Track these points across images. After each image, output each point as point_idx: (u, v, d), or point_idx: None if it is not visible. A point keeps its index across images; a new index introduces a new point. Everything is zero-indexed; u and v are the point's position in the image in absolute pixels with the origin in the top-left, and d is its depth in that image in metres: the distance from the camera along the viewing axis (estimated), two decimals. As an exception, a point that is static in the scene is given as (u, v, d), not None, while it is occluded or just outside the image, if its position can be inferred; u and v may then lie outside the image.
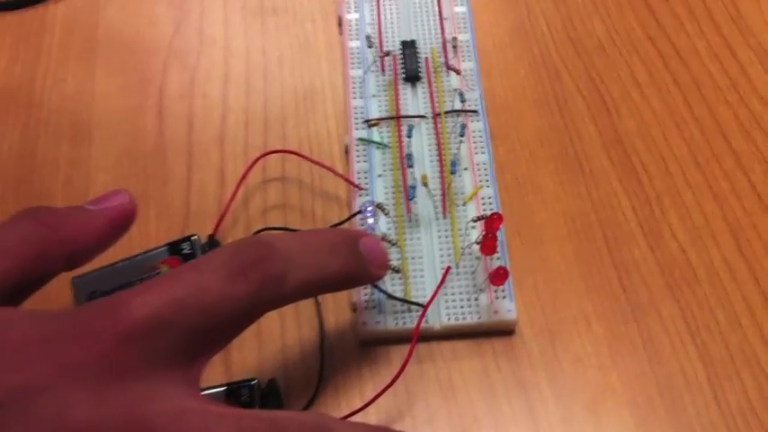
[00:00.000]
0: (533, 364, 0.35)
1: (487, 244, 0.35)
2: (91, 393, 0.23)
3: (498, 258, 0.36)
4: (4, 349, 0.23)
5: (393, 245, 0.36)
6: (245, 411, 0.25)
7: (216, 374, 0.35)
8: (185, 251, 0.36)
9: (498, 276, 0.34)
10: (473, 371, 0.35)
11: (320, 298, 0.36)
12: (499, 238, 0.36)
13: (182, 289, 0.25)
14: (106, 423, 0.23)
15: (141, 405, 0.23)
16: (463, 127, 0.39)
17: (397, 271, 0.36)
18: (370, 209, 0.35)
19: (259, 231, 0.38)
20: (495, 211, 0.37)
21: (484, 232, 0.35)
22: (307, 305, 0.36)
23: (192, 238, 0.36)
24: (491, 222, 0.35)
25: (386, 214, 0.36)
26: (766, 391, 0.34)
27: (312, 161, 0.40)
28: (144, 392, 0.23)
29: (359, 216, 0.37)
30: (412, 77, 0.42)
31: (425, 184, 0.37)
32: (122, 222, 0.30)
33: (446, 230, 0.37)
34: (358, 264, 0.31)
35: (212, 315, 0.25)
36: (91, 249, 0.29)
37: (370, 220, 0.35)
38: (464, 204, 0.38)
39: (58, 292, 0.35)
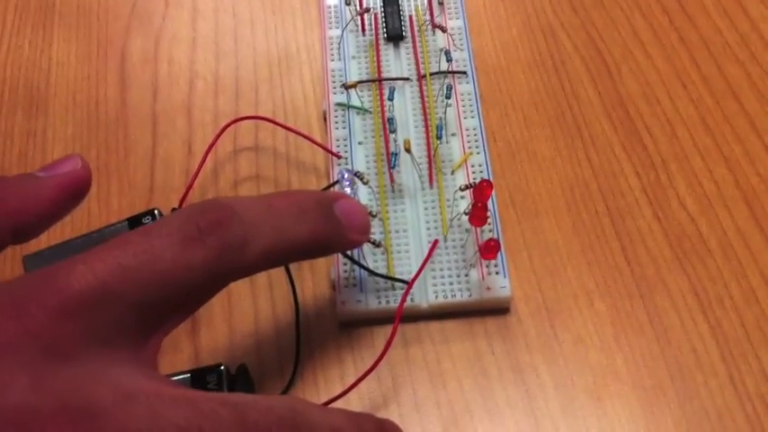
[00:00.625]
0: (530, 346, 0.32)
1: (477, 214, 0.32)
2: (26, 374, 0.20)
3: (490, 231, 0.33)
4: None
5: (374, 217, 0.33)
6: (206, 394, 0.22)
7: (183, 359, 0.32)
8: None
9: (489, 249, 0.31)
10: (464, 353, 0.32)
11: (295, 274, 0.33)
12: (491, 209, 0.33)
13: (130, 256, 0.22)
14: (42, 407, 0.20)
15: (82, 387, 0.21)
16: (450, 89, 0.36)
17: (379, 245, 0.33)
18: (347, 177, 0.32)
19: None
20: (485, 178, 0.34)
21: (473, 201, 0.32)
22: (281, 281, 0.33)
23: (155, 211, 0.33)
24: (480, 190, 0.32)
25: (365, 183, 0.33)
26: (787, 372, 0.31)
27: (287, 128, 0.37)
28: (86, 372, 0.21)
29: (336, 186, 0.33)
30: (394, 37, 0.39)
31: (408, 150, 0.34)
32: (75, 190, 0.27)
33: (432, 201, 0.34)
34: (332, 228, 0.28)
35: (165, 285, 0.23)
36: (40, 220, 0.26)
37: (348, 191, 0.32)
38: (452, 173, 0.35)
39: (11, 271, 0.33)
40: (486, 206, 0.32)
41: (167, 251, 0.23)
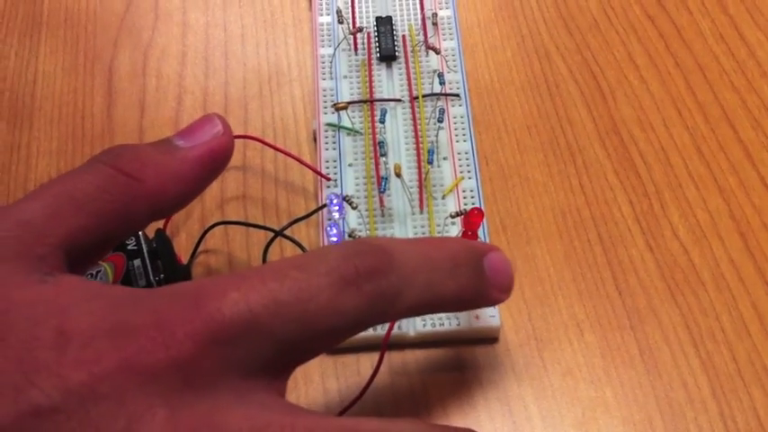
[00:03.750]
0: (518, 377, 0.32)
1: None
2: (165, 406, 0.19)
3: (480, 258, 0.33)
4: (67, 338, 0.20)
5: (363, 242, 0.33)
6: (339, 422, 0.21)
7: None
8: (130, 246, 0.32)
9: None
10: (451, 383, 0.31)
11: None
12: (481, 236, 0.33)
13: (285, 291, 0.21)
14: None
15: (217, 419, 0.20)
16: (442, 112, 0.36)
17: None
18: (336, 202, 0.32)
19: (215, 225, 0.34)
20: (476, 205, 0.34)
21: (463, 229, 0.31)
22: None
23: (139, 233, 0.32)
24: (470, 218, 0.31)
25: (354, 208, 0.33)
26: (778, 409, 0.30)
27: (276, 148, 0.36)
28: (222, 404, 0.20)
29: (324, 210, 0.33)
30: (387, 57, 0.38)
31: (398, 175, 0.33)
32: (217, 162, 0.26)
33: (423, 227, 0.34)
34: (478, 285, 0.26)
35: (312, 325, 0.21)
36: (179, 201, 0.25)
37: (336, 215, 0.31)
38: (443, 198, 0.35)
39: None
40: (477, 234, 0.31)
41: (323, 292, 0.22)
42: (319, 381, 0.31)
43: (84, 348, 0.19)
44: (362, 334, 0.31)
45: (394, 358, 0.32)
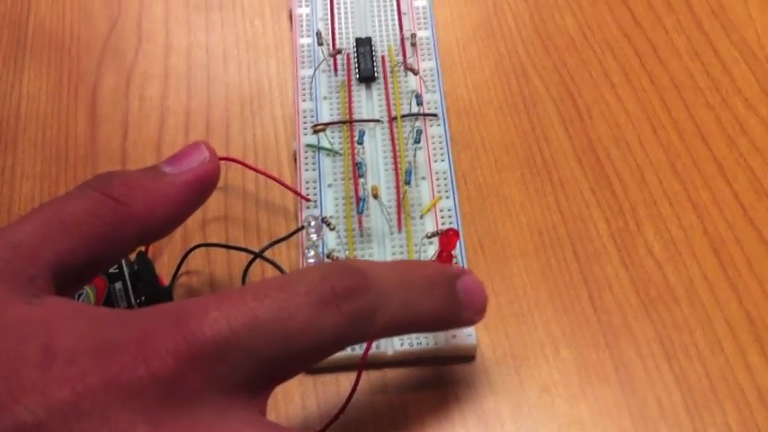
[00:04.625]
0: (495, 394, 0.32)
1: (442, 263, 0.31)
2: (145, 420, 0.20)
3: (457, 277, 0.33)
4: (53, 356, 0.20)
5: (341, 263, 0.33)
6: None
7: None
8: (111, 269, 0.32)
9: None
10: (429, 401, 0.32)
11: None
12: (458, 255, 0.33)
13: (265, 309, 0.22)
14: None
15: None
16: (419, 132, 0.36)
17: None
18: (313, 224, 0.32)
19: (197, 247, 0.34)
20: (452, 226, 0.34)
21: (439, 250, 0.32)
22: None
23: (122, 260, 0.33)
24: (446, 239, 0.31)
25: (331, 229, 0.33)
26: (750, 424, 0.31)
27: (256, 170, 0.36)
28: (201, 421, 0.21)
29: (302, 232, 0.33)
30: (366, 78, 0.39)
31: (376, 196, 0.34)
32: (204, 188, 0.27)
33: (401, 246, 0.34)
34: (452, 306, 0.27)
35: (292, 344, 0.22)
36: (167, 225, 0.26)
37: (314, 236, 0.32)
38: (421, 217, 0.35)
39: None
40: (452, 255, 0.32)
41: (302, 311, 0.22)
42: (299, 400, 0.32)
43: (69, 366, 0.20)
44: (342, 354, 0.31)
45: (373, 377, 0.32)
